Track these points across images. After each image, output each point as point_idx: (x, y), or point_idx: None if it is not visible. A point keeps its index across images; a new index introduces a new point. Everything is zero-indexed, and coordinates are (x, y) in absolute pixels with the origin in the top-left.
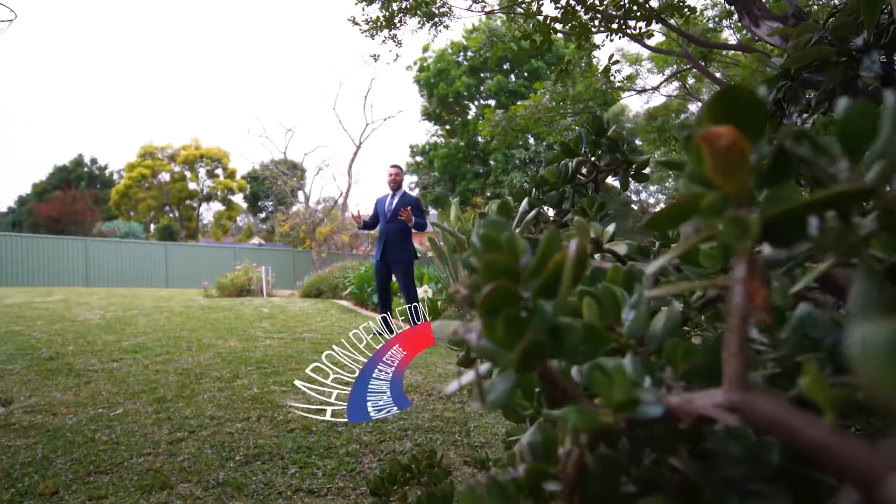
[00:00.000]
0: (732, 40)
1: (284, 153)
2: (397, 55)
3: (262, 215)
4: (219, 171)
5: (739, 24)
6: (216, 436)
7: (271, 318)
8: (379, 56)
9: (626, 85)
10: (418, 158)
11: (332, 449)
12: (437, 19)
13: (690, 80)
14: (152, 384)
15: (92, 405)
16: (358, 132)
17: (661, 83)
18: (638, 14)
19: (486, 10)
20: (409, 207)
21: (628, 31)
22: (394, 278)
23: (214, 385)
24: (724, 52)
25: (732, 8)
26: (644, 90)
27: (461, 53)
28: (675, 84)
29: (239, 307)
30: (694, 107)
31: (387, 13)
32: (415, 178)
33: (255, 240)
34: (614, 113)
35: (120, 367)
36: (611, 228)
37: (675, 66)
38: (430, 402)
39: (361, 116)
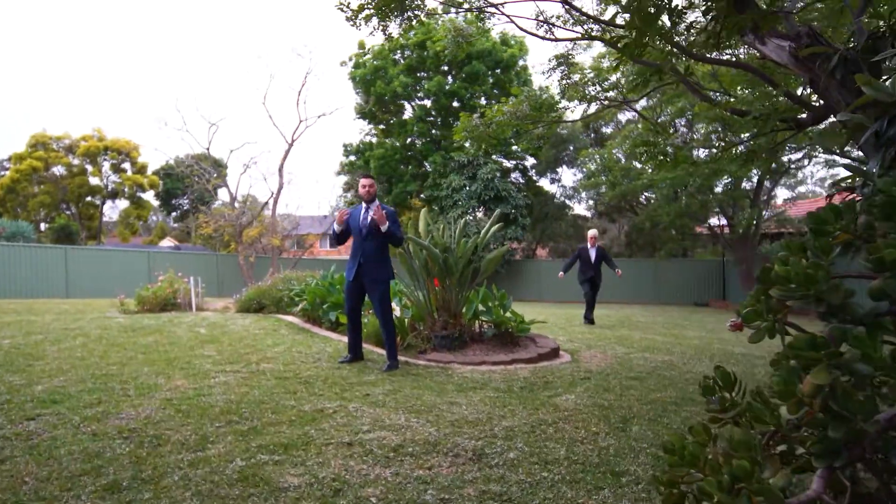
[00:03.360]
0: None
1: (208, 149)
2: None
3: (176, 214)
4: (126, 166)
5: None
6: None
7: (214, 341)
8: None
9: (587, 94)
10: (352, 158)
11: None
12: (409, 13)
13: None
14: (94, 459)
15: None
16: (289, 129)
17: (644, 95)
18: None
19: (466, 7)
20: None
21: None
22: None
23: (181, 457)
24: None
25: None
26: (625, 101)
27: (398, 52)
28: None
29: (169, 327)
30: (623, 116)
31: None
32: (347, 178)
33: (168, 241)
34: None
35: (40, 431)
36: None
37: (616, 76)
38: (462, 467)
39: (294, 113)
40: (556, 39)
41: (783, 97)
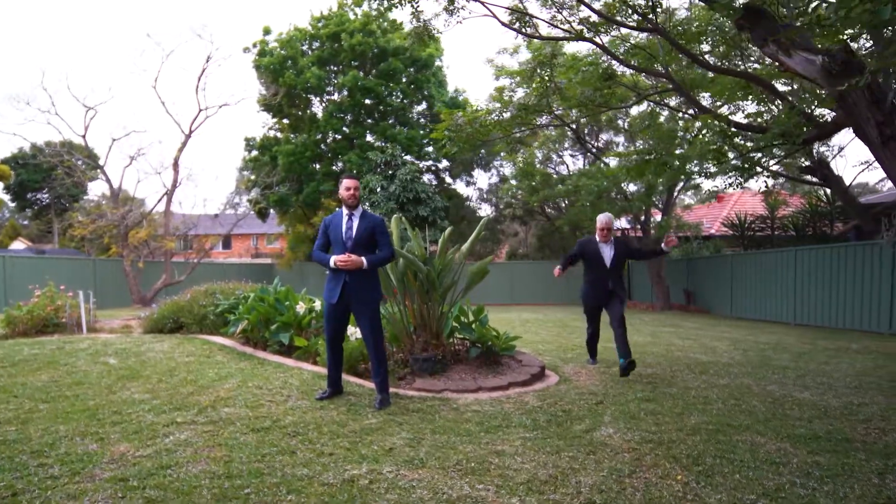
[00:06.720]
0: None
1: (84, 136)
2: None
3: (31, 211)
4: None
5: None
6: None
7: (136, 377)
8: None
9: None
10: (255, 153)
11: None
12: None
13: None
14: None
15: None
16: (186, 119)
17: (640, 99)
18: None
19: None
20: (372, 233)
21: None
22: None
23: None
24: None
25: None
26: (632, 104)
27: (306, 42)
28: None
29: (64, 358)
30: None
31: None
32: (245, 175)
33: (19, 242)
34: None
35: None
36: None
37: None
38: None
39: (192, 100)
40: (542, 38)
41: (792, 113)
